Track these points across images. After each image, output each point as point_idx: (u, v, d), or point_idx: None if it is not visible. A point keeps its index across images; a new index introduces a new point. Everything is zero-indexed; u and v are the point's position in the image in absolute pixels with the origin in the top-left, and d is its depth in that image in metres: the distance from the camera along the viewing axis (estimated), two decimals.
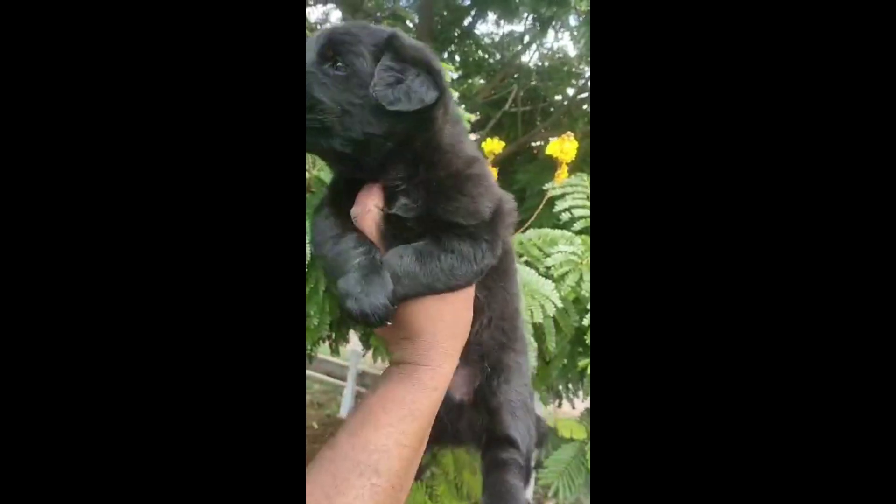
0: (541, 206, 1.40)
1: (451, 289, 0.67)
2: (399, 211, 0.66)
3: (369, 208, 0.67)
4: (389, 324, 0.63)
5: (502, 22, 4.08)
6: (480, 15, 4.16)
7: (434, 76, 0.63)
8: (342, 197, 0.70)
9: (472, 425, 0.77)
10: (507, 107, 3.98)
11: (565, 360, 1.46)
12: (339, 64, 0.62)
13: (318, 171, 0.92)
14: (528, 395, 0.78)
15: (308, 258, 1.20)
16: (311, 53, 0.62)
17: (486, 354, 0.76)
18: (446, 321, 0.68)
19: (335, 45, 0.62)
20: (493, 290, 0.75)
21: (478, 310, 0.73)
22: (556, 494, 1.57)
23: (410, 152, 0.66)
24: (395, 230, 0.67)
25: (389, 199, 0.67)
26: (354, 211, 0.68)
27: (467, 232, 0.66)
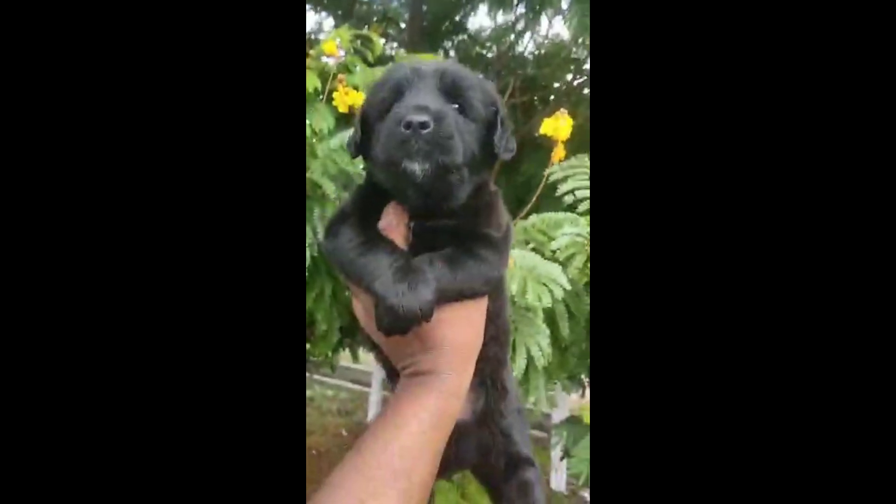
0: (539, 189, 1.37)
1: (477, 294, 0.71)
2: (437, 223, 0.70)
3: (399, 221, 0.71)
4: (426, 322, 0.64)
5: (494, 13, 4.05)
6: (472, 8, 4.14)
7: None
8: (369, 208, 0.73)
9: (480, 447, 0.79)
10: (505, 98, 3.96)
11: (583, 346, 1.44)
12: (460, 105, 0.68)
13: (310, 173, 0.91)
14: (520, 406, 0.85)
15: (308, 261, 1.19)
16: (430, 87, 0.67)
17: (489, 372, 0.78)
18: (467, 329, 0.71)
19: (459, 89, 0.69)
20: (497, 302, 0.77)
21: (488, 320, 0.74)
22: (586, 482, 1.55)
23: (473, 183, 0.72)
24: (425, 241, 0.70)
25: (427, 215, 0.71)
26: (383, 223, 0.71)
27: (494, 241, 0.72)
